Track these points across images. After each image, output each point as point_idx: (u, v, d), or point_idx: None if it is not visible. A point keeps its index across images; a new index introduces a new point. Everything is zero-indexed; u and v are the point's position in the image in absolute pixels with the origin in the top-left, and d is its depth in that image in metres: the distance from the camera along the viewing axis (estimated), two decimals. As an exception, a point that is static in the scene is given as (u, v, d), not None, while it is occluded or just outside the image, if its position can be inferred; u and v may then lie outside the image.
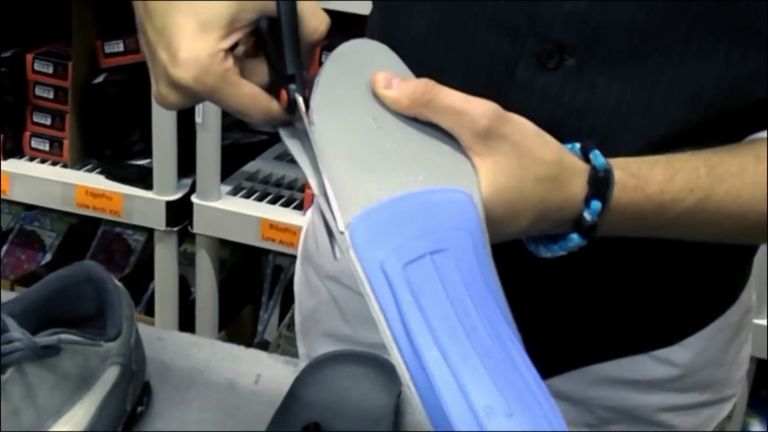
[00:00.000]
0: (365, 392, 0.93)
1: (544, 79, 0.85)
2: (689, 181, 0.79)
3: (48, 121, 2.22)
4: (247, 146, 2.32)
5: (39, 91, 2.21)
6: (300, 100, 0.71)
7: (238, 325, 2.36)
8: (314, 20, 0.73)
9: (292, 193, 2.15)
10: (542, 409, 0.63)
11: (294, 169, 2.24)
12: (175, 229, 2.14)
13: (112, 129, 2.20)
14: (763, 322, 1.83)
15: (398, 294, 0.64)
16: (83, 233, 2.48)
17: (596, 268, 0.88)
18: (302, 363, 0.98)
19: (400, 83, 0.73)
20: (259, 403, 0.94)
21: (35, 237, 2.49)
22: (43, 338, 0.78)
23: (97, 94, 2.18)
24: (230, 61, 0.70)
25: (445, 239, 0.67)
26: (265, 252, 2.34)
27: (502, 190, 0.72)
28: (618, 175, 0.76)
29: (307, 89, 0.72)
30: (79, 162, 2.23)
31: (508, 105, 0.86)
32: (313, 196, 1.17)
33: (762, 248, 1.39)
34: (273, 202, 2.12)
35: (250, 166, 2.25)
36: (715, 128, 0.84)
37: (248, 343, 1.04)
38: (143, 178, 2.13)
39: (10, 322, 0.77)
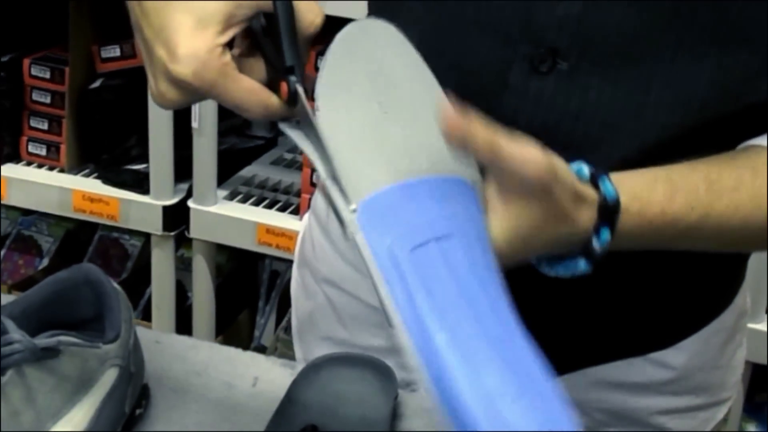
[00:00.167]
0: (362, 395, 0.93)
1: (537, 83, 0.85)
2: (689, 199, 0.79)
3: (45, 126, 2.22)
4: (244, 151, 2.33)
5: (36, 96, 2.21)
6: (301, 90, 0.72)
7: (235, 330, 2.36)
8: (309, 14, 0.73)
9: (289, 198, 2.15)
10: (549, 395, 0.63)
11: (290, 174, 2.25)
12: (172, 233, 2.14)
13: (108, 134, 2.20)
14: (760, 326, 1.83)
15: (406, 277, 0.65)
16: (80, 238, 2.48)
17: (591, 271, 0.89)
18: (299, 366, 0.98)
19: (470, 126, 0.69)
20: (257, 406, 0.94)
21: (32, 242, 2.49)
22: (43, 340, 0.78)
23: (93, 99, 2.18)
24: (228, 56, 0.71)
25: (449, 226, 0.68)
26: (262, 257, 2.34)
27: (522, 238, 0.73)
28: (622, 200, 0.76)
29: (306, 83, 0.73)
30: (76, 167, 2.23)
31: (501, 109, 0.86)
32: (309, 200, 1.18)
33: (757, 252, 1.40)
34: (269, 206, 2.12)
35: (247, 171, 2.26)
36: (707, 132, 0.85)
37: (245, 348, 1.04)
38: (140, 183, 2.13)
39: (10, 324, 0.78)
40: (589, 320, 0.96)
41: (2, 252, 2.49)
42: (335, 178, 0.70)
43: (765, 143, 0.85)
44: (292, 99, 0.72)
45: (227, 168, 2.17)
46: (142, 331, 0.94)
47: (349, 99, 0.73)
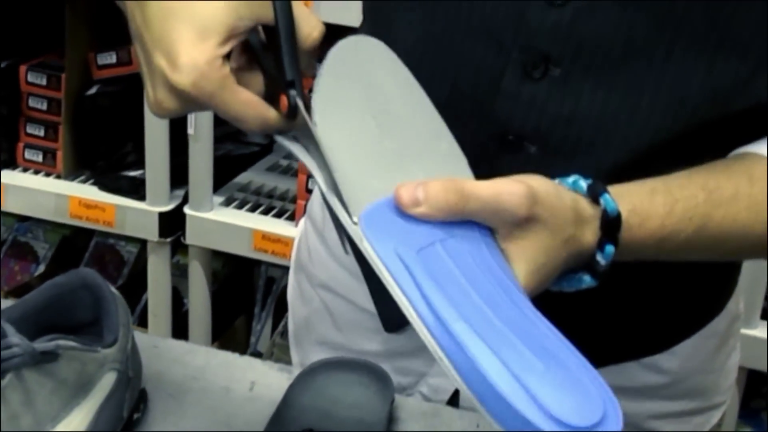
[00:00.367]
0: (359, 399, 0.93)
1: (530, 88, 0.86)
2: (688, 210, 0.80)
3: (41, 133, 2.22)
4: (239, 157, 2.33)
5: (32, 103, 2.21)
6: (301, 104, 0.72)
7: (231, 336, 2.36)
8: (307, 26, 0.74)
9: (284, 204, 2.15)
10: (574, 367, 0.64)
11: (286, 181, 2.25)
12: (168, 240, 2.14)
13: (105, 140, 2.20)
14: (755, 332, 1.83)
15: (416, 275, 0.66)
16: (76, 244, 2.48)
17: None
18: (296, 370, 0.98)
19: (426, 196, 0.70)
20: (254, 410, 0.94)
21: (28, 248, 2.49)
22: (42, 344, 0.78)
23: (90, 106, 2.19)
24: (227, 68, 0.71)
25: (451, 229, 0.70)
26: (258, 263, 2.34)
27: (541, 267, 0.73)
28: (623, 214, 0.77)
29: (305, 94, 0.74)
30: (72, 173, 2.23)
31: (494, 115, 0.87)
32: (304, 206, 1.18)
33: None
34: (265, 213, 2.13)
35: (243, 177, 2.26)
36: (698, 137, 0.85)
37: (241, 354, 1.04)
38: (136, 189, 2.13)
39: (9, 329, 0.78)
40: (583, 325, 0.96)
41: (-2, 258, 2.50)
42: (336, 189, 0.71)
43: (760, 151, 0.85)
44: (292, 112, 0.73)
45: (223, 174, 2.17)
46: (139, 336, 0.94)
47: (345, 113, 0.75)
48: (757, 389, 2.11)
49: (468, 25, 0.86)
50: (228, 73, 0.71)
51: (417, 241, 0.69)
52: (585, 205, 0.76)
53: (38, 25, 2.28)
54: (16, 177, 2.22)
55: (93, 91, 2.18)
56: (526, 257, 0.72)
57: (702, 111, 0.84)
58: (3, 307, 0.84)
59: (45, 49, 2.25)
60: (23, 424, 0.78)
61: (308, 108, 0.73)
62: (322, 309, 1.12)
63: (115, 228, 2.16)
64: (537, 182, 0.73)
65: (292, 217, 2.09)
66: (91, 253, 2.47)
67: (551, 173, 0.76)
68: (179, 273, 2.32)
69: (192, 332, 2.22)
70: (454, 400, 1.05)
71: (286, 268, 1.91)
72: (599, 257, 0.76)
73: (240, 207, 2.14)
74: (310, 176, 2.03)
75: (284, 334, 2.18)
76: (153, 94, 0.73)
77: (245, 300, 2.39)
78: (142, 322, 2.27)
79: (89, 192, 2.17)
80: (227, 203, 2.15)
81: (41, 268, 2.46)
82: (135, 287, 2.33)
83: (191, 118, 1.98)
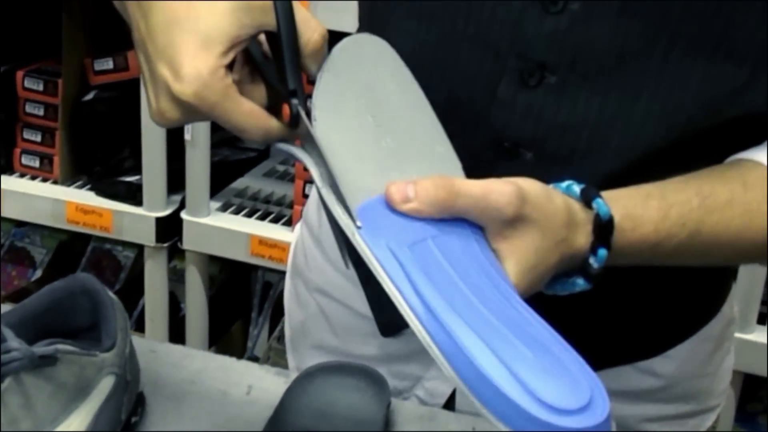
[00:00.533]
0: (355, 402, 0.94)
1: (526, 96, 0.86)
2: (682, 215, 0.80)
3: (38, 138, 2.23)
4: (236, 163, 2.33)
5: (29, 108, 2.22)
6: (303, 113, 0.73)
7: (228, 341, 2.36)
8: (308, 31, 0.74)
9: (281, 210, 2.16)
10: (564, 358, 0.65)
11: (282, 186, 2.25)
12: (165, 245, 2.14)
13: (101, 146, 2.20)
14: (751, 336, 1.84)
15: (408, 268, 0.68)
16: (73, 249, 2.48)
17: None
18: (293, 374, 0.98)
19: (417, 192, 0.71)
20: (251, 414, 0.95)
21: (25, 253, 2.49)
22: (41, 348, 0.79)
23: (86, 111, 2.18)
24: (230, 79, 0.71)
25: (442, 226, 0.71)
26: (255, 268, 2.35)
27: (532, 269, 0.74)
28: (616, 219, 0.77)
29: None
30: (69, 178, 2.24)
31: (490, 122, 0.87)
32: (301, 211, 1.19)
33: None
34: (262, 218, 2.13)
35: (239, 183, 2.26)
36: (693, 145, 0.86)
37: (238, 359, 1.04)
38: (133, 195, 2.13)
39: (8, 333, 0.78)
40: (578, 329, 0.96)
41: (-5, 263, 2.50)
42: (333, 186, 0.71)
43: (755, 157, 0.85)
44: (294, 121, 0.73)
45: (220, 180, 2.18)
46: (137, 340, 0.95)
47: (345, 110, 0.75)
48: (753, 393, 2.11)
49: (464, 34, 0.87)
50: (230, 83, 0.71)
51: (409, 236, 0.70)
52: (578, 209, 0.77)
53: (35, 30, 2.28)
54: (13, 182, 2.23)
55: (90, 96, 2.19)
56: (517, 257, 0.73)
57: (697, 119, 0.85)
58: (2, 311, 0.85)
59: (42, 54, 2.26)
60: (22, 427, 0.78)
61: (309, 116, 0.74)
62: (318, 313, 1.13)
63: (112, 233, 2.16)
64: (527, 183, 0.73)
65: (289, 223, 2.09)
66: (88, 259, 2.47)
67: (547, 180, 0.77)
68: (176, 278, 2.32)
69: (189, 337, 2.22)
70: (450, 403, 1.05)
71: (282, 273, 1.91)
72: (592, 261, 0.77)
73: (237, 212, 2.14)
74: (306, 182, 2.04)
75: (281, 338, 2.19)
76: (156, 103, 0.73)
77: (242, 305, 2.40)
78: (139, 327, 2.27)
79: (86, 197, 2.18)
80: (224, 208, 2.15)
81: (38, 273, 2.46)
82: (132, 292, 2.33)
83: (188, 124, 1.98)
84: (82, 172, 2.25)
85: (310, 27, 0.74)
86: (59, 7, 2.12)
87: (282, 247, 2.02)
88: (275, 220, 2.12)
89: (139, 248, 2.28)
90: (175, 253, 2.23)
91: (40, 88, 2.20)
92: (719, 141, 0.87)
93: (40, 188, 2.21)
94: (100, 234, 2.19)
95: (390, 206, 0.71)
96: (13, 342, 0.78)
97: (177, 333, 2.24)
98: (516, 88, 0.86)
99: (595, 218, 0.77)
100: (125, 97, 2.13)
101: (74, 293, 0.89)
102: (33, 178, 2.25)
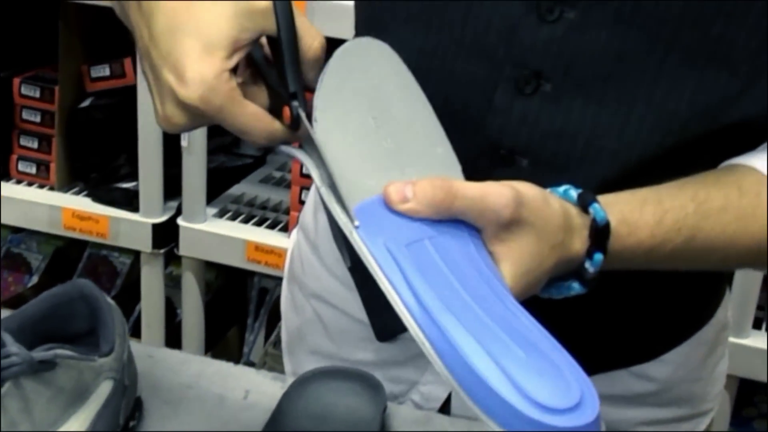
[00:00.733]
0: (351, 407, 0.94)
1: (522, 104, 0.86)
2: (677, 221, 0.81)
3: (35, 145, 2.23)
4: (233, 169, 2.34)
5: (26, 115, 2.22)
6: (303, 115, 0.74)
7: (224, 347, 2.36)
8: (308, 38, 0.75)
9: (277, 216, 2.16)
10: (555, 358, 0.66)
11: (279, 192, 2.26)
12: (161, 251, 2.14)
13: (98, 152, 2.21)
14: (746, 341, 1.84)
15: (404, 267, 0.68)
16: (69, 256, 2.48)
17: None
18: (290, 379, 0.99)
19: (415, 192, 0.72)
20: (248, 419, 0.95)
21: (22, 259, 2.49)
22: (40, 353, 0.79)
23: (83, 118, 2.19)
24: (234, 82, 0.72)
25: (440, 227, 0.72)
26: (251, 274, 2.34)
27: (528, 272, 0.74)
28: (612, 224, 0.78)
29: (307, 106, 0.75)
30: (65, 185, 2.24)
31: (486, 130, 0.88)
32: (297, 217, 1.19)
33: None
34: (258, 224, 2.13)
35: (236, 189, 2.27)
36: (688, 152, 0.86)
37: (234, 364, 1.05)
38: (129, 201, 2.13)
39: (8, 338, 0.79)
40: (573, 333, 0.97)
41: (-8, 269, 2.50)
42: (332, 186, 0.72)
43: (750, 162, 0.86)
44: (295, 123, 0.74)
45: (216, 186, 2.18)
46: (135, 345, 0.95)
47: (346, 112, 0.76)
48: (748, 398, 2.12)
49: (461, 42, 0.87)
50: (235, 86, 0.72)
51: (406, 236, 0.70)
52: (574, 213, 0.77)
53: (32, 38, 2.29)
54: (10, 189, 2.23)
55: (86, 103, 2.19)
56: (513, 260, 0.73)
57: (692, 126, 0.85)
58: (2, 317, 0.85)
59: (38, 61, 2.26)
60: (22, 430, 0.79)
61: (310, 118, 0.74)
62: (314, 319, 1.13)
63: (109, 239, 2.16)
64: (525, 187, 0.74)
65: (285, 229, 2.10)
66: (85, 265, 2.47)
67: (543, 186, 0.77)
68: (172, 284, 2.32)
69: (185, 343, 2.22)
70: (445, 407, 1.06)
71: (278, 279, 1.91)
72: (588, 265, 0.78)
73: (233, 218, 2.15)
74: (302, 188, 2.04)
75: (277, 344, 2.19)
76: (162, 109, 0.74)
77: (238, 311, 2.40)
78: (136, 333, 2.27)
79: (83, 204, 2.18)
80: (220, 215, 2.15)
81: (34, 280, 2.46)
82: (128, 298, 2.33)
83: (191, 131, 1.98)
84: (78, 178, 2.25)
85: (310, 34, 0.75)
86: (56, 14, 2.13)
87: (278, 253, 2.02)
88: (271, 227, 2.12)
89: (136, 254, 2.28)
90: (172, 259, 2.23)
91: (37, 95, 2.20)
92: (714, 147, 0.88)
93: (36, 195, 2.22)
94: (97, 240, 2.19)
95: (388, 206, 0.72)
96: (13, 347, 0.78)
97: (173, 339, 2.24)
98: (512, 95, 0.87)
99: (592, 223, 0.77)
100: (122, 103, 2.13)
101: (73, 299, 0.89)
102: (30, 184, 2.25)
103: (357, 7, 0.99)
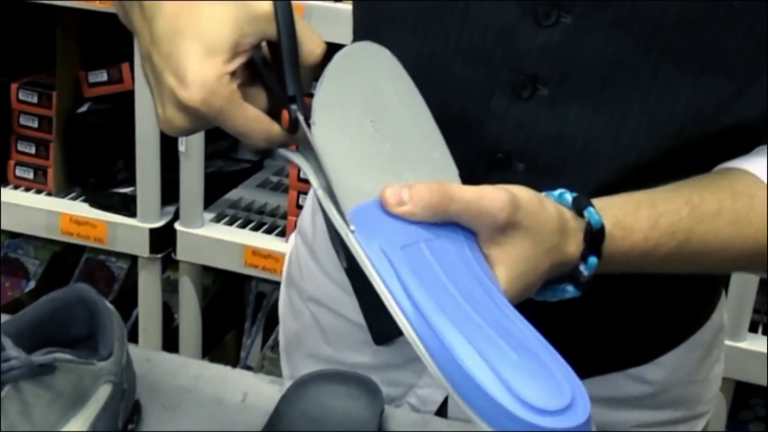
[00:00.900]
0: (349, 410, 0.94)
1: (519, 108, 0.87)
2: (671, 224, 0.81)
3: (32, 150, 2.23)
4: (230, 174, 2.34)
5: (23, 120, 2.22)
6: (302, 119, 0.74)
7: (221, 352, 2.36)
8: (309, 44, 0.75)
9: (275, 220, 2.16)
10: (548, 361, 0.67)
11: (276, 197, 2.26)
12: (159, 256, 2.14)
13: (95, 157, 2.21)
14: (742, 344, 1.84)
15: (399, 269, 0.69)
16: (67, 261, 2.48)
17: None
18: (288, 383, 0.99)
19: (411, 195, 0.72)
20: (246, 421, 0.95)
21: (19, 264, 2.49)
22: (39, 357, 0.79)
23: (80, 123, 2.19)
24: (235, 85, 0.73)
25: (435, 230, 0.72)
26: (248, 279, 2.35)
27: (522, 275, 0.75)
28: (607, 227, 0.78)
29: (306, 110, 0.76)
30: (63, 190, 2.24)
31: (483, 134, 0.88)
32: (295, 222, 1.20)
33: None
34: (255, 229, 2.13)
35: (233, 194, 2.27)
36: (683, 156, 0.87)
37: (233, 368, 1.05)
38: (127, 206, 2.13)
39: (7, 342, 0.79)
40: (569, 336, 0.97)
41: (-11, 274, 2.50)
42: (329, 189, 0.72)
43: (744, 166, 0.86)
44: (293, 126, 0.74)
45: (214, 191, 2.18)
46: (133, 349, 0.95)
47: (344, 115, 0.77)
48: (744, 401, 2.12)
49: (458, 46, 0.88)
50: (236, 89, 0.73)
51: (402, 239, 0.71)
52: (569, 217, 0.78)
53: (29, 43, 2.29)
54: (7, 194, 2.23)
55: (84, 108, 2.19)
56: (508, 263, 0.74)
57: (687, 130, 0.85)
58: (1, 321, 0.85)
59: (36, 67, 2.26)
60: (21, 434, 0.80)
61: (309, 122, 0.75)
62: (312, 323, 1.13)
63: (106, 244, 2.16)
64: (521, 191, 0.74)
65: (283, 233, 2.10)
66: (82, 270, 2.47)
67: (539, 191, 0.78)
68: (170, 289, 2.32)
69: (182, 347, 2.22)
70: (442, 410, 1.06)
71: (275, 284, 1.91)
72: (582, 268, 0.78)
73: (230, 223, 2.15)
74: (300, 192, 2.04)
75: (274, 347, 2.19)
76: (163, 112, 0.74)
77: (235, 315, 2.40)
78: (133, 338, 2.27)
79: (80, 209, 2.18)
80: (218, 219, 2.15)
81: (32, 284, 2.46)
82: (125, 303, 2.33)
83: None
84: (76, 183, 2.26)
85: (313, 41, 0.75)
86: (53, 20, 2.13)
87: (275, 257, 2.03)
88: (269, 231, 2.13)
89: (133, 259, 2.28)
90: (169, 263, 2.23)
91: (35, 100, 2.20)
92: (709, 151, 0.88)
93: (34, 200, 2.22)
94: (94, 245, 2.19)
95: (385, 209, 0.72)
96: (12, 351, 0.79)
97: (170, 343, 2.24)
98: (509, 100, 0.87)
99: (587, 227, 0.78)
100: (119, 109, 2.13)
101: (72, 303, 0.89)
102: (27, 189, 2.26)
103: (355, 12, 1.00)
